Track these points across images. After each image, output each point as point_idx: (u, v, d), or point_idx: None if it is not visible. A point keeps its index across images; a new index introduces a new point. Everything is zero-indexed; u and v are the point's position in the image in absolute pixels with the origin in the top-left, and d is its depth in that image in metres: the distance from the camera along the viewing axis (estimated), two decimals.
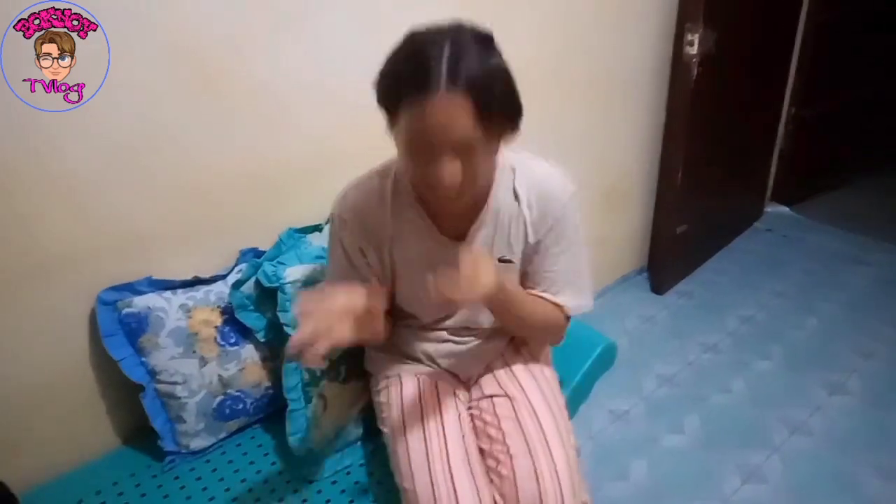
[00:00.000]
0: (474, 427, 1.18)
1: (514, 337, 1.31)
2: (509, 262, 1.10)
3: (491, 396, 1.20)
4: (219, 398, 1.31)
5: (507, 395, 1.19)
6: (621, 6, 2.06)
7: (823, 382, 2.08)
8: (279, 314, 1.25)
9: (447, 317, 1.19)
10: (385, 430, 1.20)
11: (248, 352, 1.34)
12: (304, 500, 1.22)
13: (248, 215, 1.43)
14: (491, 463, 1.11)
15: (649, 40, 2.23)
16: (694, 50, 2.14)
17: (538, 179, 1.07)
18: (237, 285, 1.31)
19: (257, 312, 1.31)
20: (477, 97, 0.83)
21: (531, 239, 1.08)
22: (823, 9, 2.82)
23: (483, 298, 0.94)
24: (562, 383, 1.31)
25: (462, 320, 1.20)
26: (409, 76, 0.83)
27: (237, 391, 1.33)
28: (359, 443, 1.35)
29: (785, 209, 3.32)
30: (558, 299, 1.11)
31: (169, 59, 1.20)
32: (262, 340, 1.33)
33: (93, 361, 1.31)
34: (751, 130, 2.84)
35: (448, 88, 0.81)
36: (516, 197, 1.07)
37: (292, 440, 1.26)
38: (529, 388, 1.20)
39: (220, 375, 1.30)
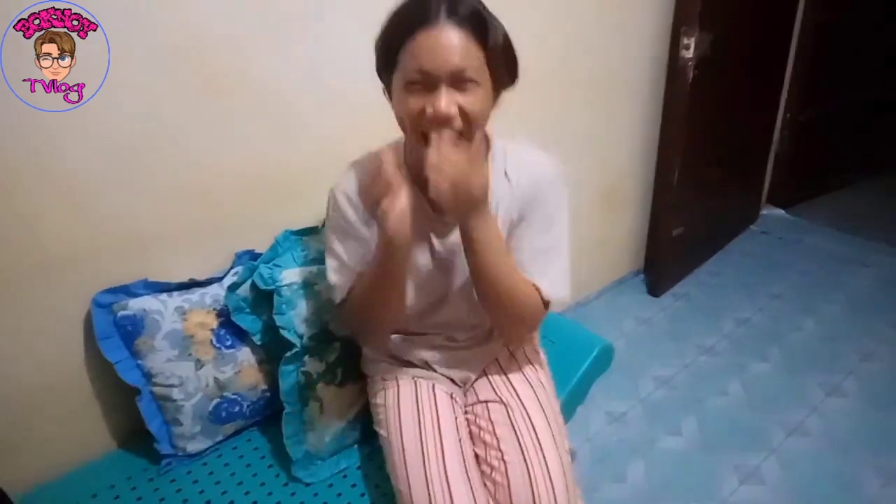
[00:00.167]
0: (470, 432, 1.18)
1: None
2: None
3: (485, 402, 1.20)
4: (215, 401, 1.31)
5: (501, 401, 1.19)
6: (620, 8, 2.07)
7: (821, 384, 2.08)
8: (275, 317, 1.24)
9: (439, 301, 1.17)
10: (381, 432, 1.20)
11: (245, 354, 1.34)
12: (301, 503, 1.22)
13: (245, 217, 1.43)
14: (485, 469, 1.11)
15: (647, 42, 2.24)
16: (690, 53, 2.15)
17: (528, 161, 1.11)
18: (233, 288, 1.31)
19: (253, 315, 1.31)
20: (475, 28, 0.90)
21: (516, 216, 1.09)
22: (821, 10, 2.83)
23: (474, 203, 0.94)
24: (558, 386, 1.31)
25: (450, 318, 1.19)
26: (411, 13, 0.91)
27: (233, 394, 1.32)
28: (355, 446, 1.35)
29: (781, 211, 3.32)
30: (536, 281, 1.08)
31: (169, 59, 1.21)
32: (259, 343, 1.32)
33: (89, 363, 1.31)
34: (747, 133, 2.85)
35: (448, 18, 0.88)
36: (507, 177, 1.09)
37: (289, 443, 1.26)
38: (524, 393, 1.20)
39: (216, 378, 1.30)
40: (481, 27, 0.91)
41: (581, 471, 1.67)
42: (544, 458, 1.08)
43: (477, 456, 1.14)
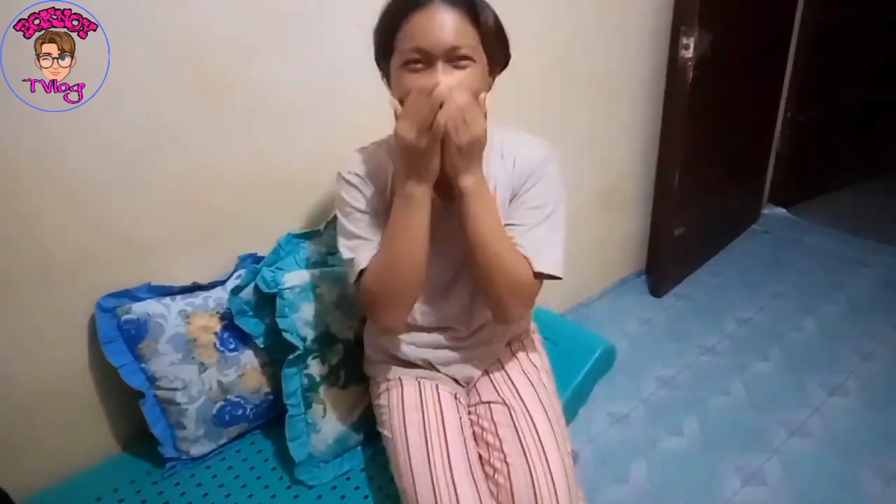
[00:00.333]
0: (472, 433, 1.18)
1: (512, 342, 1.32)
2: None
3: (488, 403, 1.21)
4: (218, 404, 1.31)
5: (504, 403, 1.19)
6: (620, 8, 2.08)
7: (822, 384, 2.08)
8: (278, 320, 1.25)
9: (444, 290, 1.17)
10: (385, 432, 1.20)
11: (248, 357, 1.34)
12: None
13: (246, 220, 1.43)
14: (488, 470, 1.12)
15: (647, 42, 2.24)
16: (689, 53, 2.15)
17: (523, 143, 1.15)
18: (236, 291, 1.31)
19: (256, 318, 1.31)
20: (468, 9, 0.96)
21: (511, 194, 1.11)
22: (821, 10, 2.83)
23: (474, 141, 0.94)
24: (561, 387, 1.31)
25: (454, 311, 1.19)
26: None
27: (237, 397, 1.33)
28: (358, 448, 1.35)
29: (782, 211, 3.33)
30: (527, 253, 1.07)
31: (169, 59, 1.21)
32: (262, 346, 1.33)
33: (93, 367, 1.31)
34: (748, 132, 2.85)
35: (442, 0, 0.94)
36: (502, 158, 1.12)
37: (292, 446, 1.26)
38: (526, 394, 1.20)
39: (219, 381, 1.30)
40: (473, 8, 0.97)
41: (583, 472, 1.68)
42: (546, 459, 1.08)
43: (480, 457, 1.14)
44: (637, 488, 1.73)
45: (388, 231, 1.04)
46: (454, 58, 0.96)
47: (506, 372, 1.26)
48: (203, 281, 1.36)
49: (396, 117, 0.96)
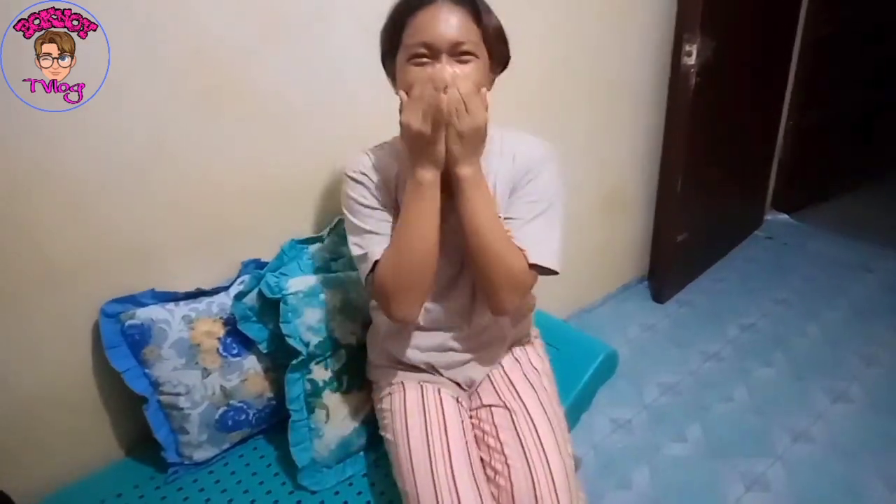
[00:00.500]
0: (474, 436, 1.19)
1: (514, 346, 1.32)
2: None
3: (489, 406, 1.21)
4: (221, 409, 1.31)
5: (505, 406, 1.19)
6: (623, 15, 2.09)
7: (826, 389, 2.07)
8: (281, 325, 1.25)
9: (450, 283, 1.18)
10: (388, 436, 1.20)
11: (251, 363, 1.34)
12: None
13: (250, 226, 1.43)
14: (489, 473, 1.12)
15: (650, 49, 2.25)
16: (692, 60, 2.16)
17: (522, 141, 1.17)
18: (240, 296, 1.32)
19: (260, 323, 1.32)
20: (471, 8, 1.02)
21: (510, 189, 1.13)
22: (823, 17, 2.84)
23: (475, 128, 0.97)
24: (563, 392, 1.32)
25: (457, 308, 1.20)
26: None
27: (240, 402, 1.33)
28: (361, 453, 1.35)
29: (785, 217, 3.33)
30: (523, 245, 1.08)
31: (170, 60, 1.21)
32: (265, 351, 1.33)
33: (97, 372, 1.31)
34: (750, 138, 2.85)
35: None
36: (502, 154, 1.14)
37: (295, 451, 1.26)
38: (528, 398, 1.20)
39: (222, 386, 1.31)
40: (476, 8, 1.03)
41: (586, 478, 1.67)
42: (547, 461, 1.09)
43: (481, 460, 1.15)
44: (640, 494, 1.72)
45: (400, 220, 1.06)
46: (458, 52, 1.01)
47: (507, 376, 1.26)
48: (207, 286, 1.36)
49: (401, 110, 0.99)
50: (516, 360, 1.29)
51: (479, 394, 1.25)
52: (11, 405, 1.22)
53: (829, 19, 2.85)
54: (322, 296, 1.29)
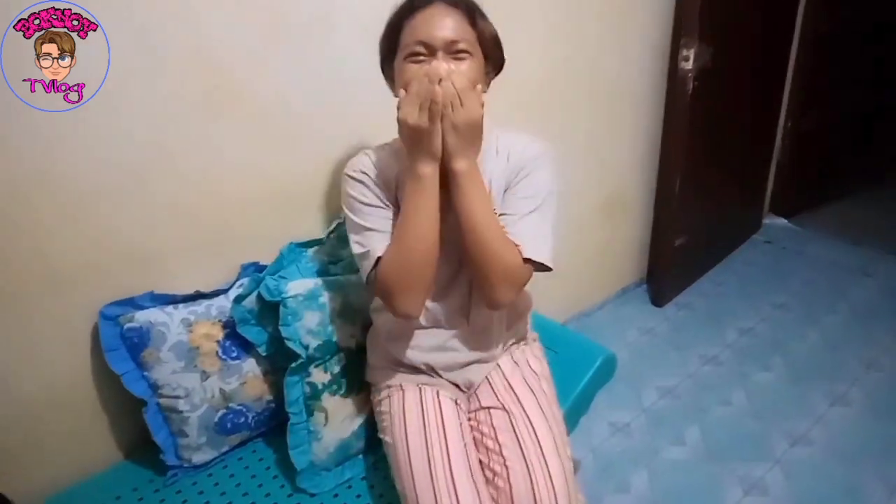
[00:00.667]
0: (473, 438, 1.19)
1: (512, 349, 1.32)
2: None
3: (488, 408, 1.22)
4: (220, 412, 1.31)
5: (503, 408, 1.20)
6: (622, 19, 2.10)
7: (825, 393, 2.08)
8: (281, 328, 1.25)
9: (449, 281, 1.19)
10: (386, 438, 1.20)
11: (250, 366, 1.35)
12: None
13: (250, 229, 1.44)
14: (488, 475, 1.12)
15: (648, 53, 2.26)
16: (689, 65, 2.17)
17: (517, 139, 1.19)
18: (239, 299, 1.32)
19: (259, 326, 1.32)
20: (466, 10, 1.07)
21: (505, 186, 1.15)
22: (820, 20, 2.84)
23: (471, 123, 1.00)
24: (562, 396, 1.32)
25: (456, 305, 1.20)
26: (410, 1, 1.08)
27: (239, 405, 1.33)
28: (360, 456, 1.35)
29: (783, 221, 3.33)
30: (518, 240, 1.09)
31: (170, 61, 1.21)
32: (264, 354, 1.33)
33: (96, 375, 1.31)
34: (748, 142, 2.86)
35: (441, 0, 1.06)
36: (497, 153, 1.16)
37: (294, 454, 1.26)
38: (527, 401, 1.21)
39: (221, 389, 1.31)
40: (470, 10, 1.08)
41: (585, 481, 1.67)
42: (546, 463, 1.09)
43: (480, 461, 1.15)
44: (639, 498, 1.72)
45: (401, 217, 1.07)
46: (453, 51, 1.05)
47: (506, 378, 1.26)
48: (206, 289, 1.36)
49: (399, 107, 1.01)
50: (515, 363, 1.30)
51: (477, 396, 1.26)
52: (11, 407, 1.22)
53: (826, 23, 2.86)
54: (321, 299, 1.30)
